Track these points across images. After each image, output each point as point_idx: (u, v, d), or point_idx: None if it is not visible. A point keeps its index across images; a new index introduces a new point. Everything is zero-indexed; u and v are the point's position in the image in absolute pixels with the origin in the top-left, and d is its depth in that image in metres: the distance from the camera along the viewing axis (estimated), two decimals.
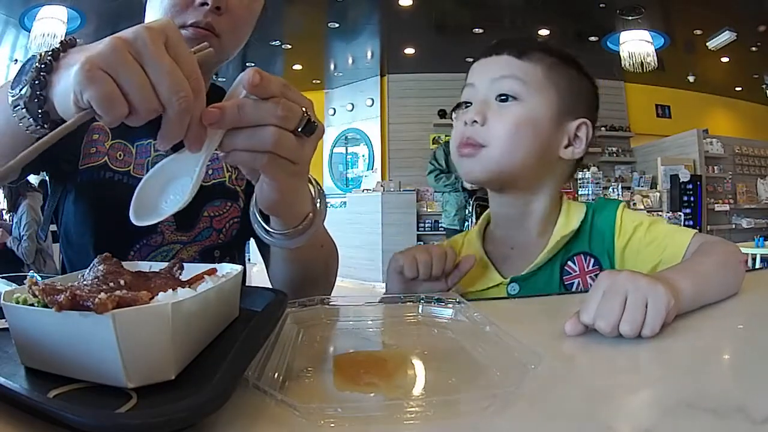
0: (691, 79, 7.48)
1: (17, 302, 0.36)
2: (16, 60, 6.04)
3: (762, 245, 4.64)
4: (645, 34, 5.95)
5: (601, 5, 5.31)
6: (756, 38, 5.90)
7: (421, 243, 6.06)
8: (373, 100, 7.72)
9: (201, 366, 0.38)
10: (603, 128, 7.58)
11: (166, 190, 0.46)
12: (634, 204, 6.20)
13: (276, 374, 0.38)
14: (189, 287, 0.42)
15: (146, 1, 0.75)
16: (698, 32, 5.86)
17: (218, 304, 0.44)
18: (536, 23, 5.81)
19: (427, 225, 6.49)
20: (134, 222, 0.45)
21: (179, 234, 0.80)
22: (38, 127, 0.48)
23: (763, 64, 6.65)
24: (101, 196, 0.77)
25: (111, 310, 0.32)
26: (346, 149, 8.33)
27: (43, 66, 0.48)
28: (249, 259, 1.21)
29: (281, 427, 0.33)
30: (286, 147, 0.47)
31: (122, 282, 0.40)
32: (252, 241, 0.90)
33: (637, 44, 5.98)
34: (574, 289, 0.80)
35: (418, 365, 0.45)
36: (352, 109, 7.97)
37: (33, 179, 3.50)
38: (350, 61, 7.25)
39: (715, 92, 7.95)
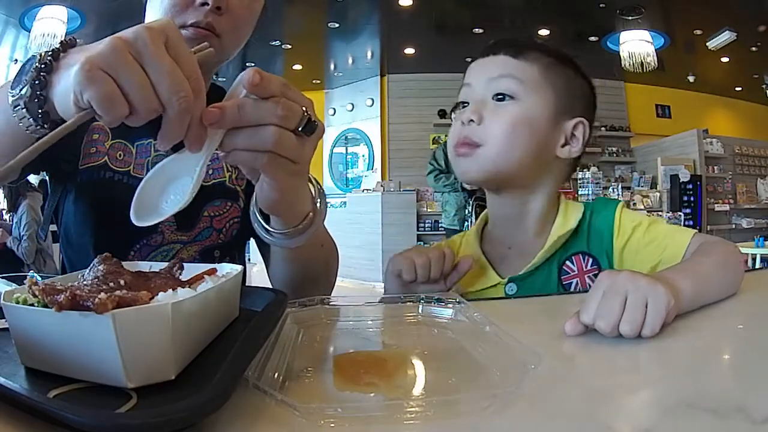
0: (691, 79, 7.48)
1: (17, 302, 0.36)
2: (16, 60, 6.04)
3: (762, 245, 4.64)
4: (645, 34, 5.95)
5: (601, 5, 5.31)
6: (756, 38, 5.90)
7: (421, 243, 6.08)
8: (373, 100, 7.72)
9: (201, 366, 0.38)
10: (603, 128, 7.59)
11: (166, 190, 0.46)
12: (634, 204, 6.20)
13: (276, 374, 0.38)
14: (189, 287, 0.42)
15: (146, 1, 0.75)
16: (698, 32, 5.86)
17: (218, 304, 0.44)
18: (536, 23, 5.81)
19: (427, 225, 6.49)
20: (135, 222, 0.45)
21: (179, 234, 0.80)
22: (38, 127, 0.48)
23: (763, 64, 6.66)
24: (101, 196, 0.77)
25: (111, 310, 0.32)
26: (346, 149, 8.33)
27: (43, 66, 0.48)
28: (249, 259, 1.21)
29: (281, 427, 0.33)
30: (286, 146, 0.47)
31: (122, 282, 0.40)
32: (252, 241, 0.90)
33: (637, 44, 5.98)
34: (572, 288, 0.80)
35: (418, 365, 0.45)
36: (352, 109, 7.97)
37: (33, 179, 3.50)
38: (350, 61, 7.25)
39: (715, 92, 7.95)
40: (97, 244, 0.76)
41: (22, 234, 3.68)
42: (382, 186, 6.81)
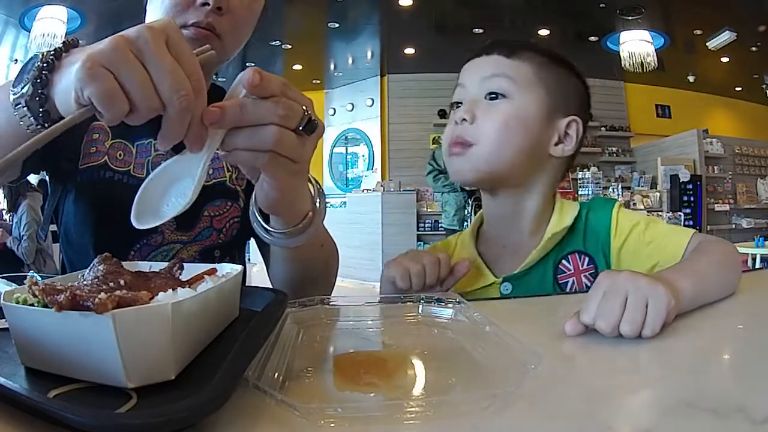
0: (691, 79, 7.48)
1: (17, 302, 0.36)
2: (16, 60, 6.04)
3: (762, 245, 4.64)
4: (645, 34, 5.95)
5: (601, 5, 5.31)
6: (756, 38, 5.90)
7: (421, 243, 6.08)
8: (373, 100, 7.72)
9: (201, 366, 0.38)
10: (603, 128, 7.59)
11: (167, 192, 0.46)
12: (634, 204, 6.20)
13: (276, 374, 0.38)
14: (189, 287, 0.42)
15: (147, 2, 0.75)
16: (698, 32, 5.86)
17: (218, 304, 0.44)
18: (536, 23, 5.81)
19: (427, 225, 6.49)
20: (135, 225, 0.45)
21: (179, 234, 0.80)
22: (39, 126, 0.48)
23: (763, 64, 6.66)
24: (101, 195, 0.77)
25: (111, 310, 0.32)
26: (346, 149, 8.33)
27: (45, 65, 0.48)
28: (249, 259, 1.20)
29: (281, 427, 0.33)
30: (287, 146, 0.47)
31: (122, 282, 0.40)
32: (252, 241, 0.90)
33: (637, 44, 5.98)
34: (568, 288, 0.80)
35: (418, 365, 0.45)
36: (352, 109, 7.97)
37: (33, 179, 3.50)
38: (350, 61, 7.25)
39: (715, 92, 7.95)
40: (97, 244, 0.76)
41: (22, 234, 3.68)
42: (382, 186, 6.81)
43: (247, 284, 0.59)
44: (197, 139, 0.44)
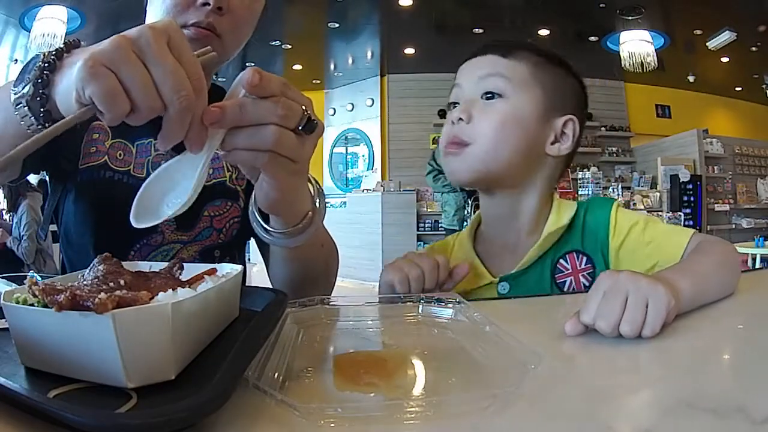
0: (691, 79, 7.48)
1: (17, 302, 0.36)
2: (16, 60, 6.04)
3: (762, 245, 4.64)
4: (645, 34, 5.95)
5: (601, 5, 5.31)
6: (756, 38, 5.90)
7: (421, 243, 6.08)
8: (373, 100, 7.72)
9: (201, 366, 0.38)
10: (603, 128, 7.59)
11: (168, 193, 0.46)
12: (634, 204, 6.20)
13: (276, 374, 0.38)
14: (189, 287, 0.42)
15: (147, 1, 0.75)
16: (698, 32, 5.86)
17: (218, 304, 0.44)
18: (536, 23, 5.81)
19: (427, 225, 6.49)
20: (134, 225, 0.45)
21: (179, 234, 0.80)
22: (39, 126, 0.48)
23: (763, 64, 6.66)
24: (101, 195, 0.77)
25: (111, 310, 0.32)
26: (346, 149, 8.33)
27: (46, 65, 0.48)
28: (249, 259, 1.20)
29: (281, 427, 0.33)
30: (286, 145, 0.47)
31: (122, 282, 0.40)
32: (252, 241, 0.90)
33: (637, 44, 5.98)
34: (566, 287, 0.80)
35: (418, 365, 0.45)
36: (352, 109, 7.97)
37: (33, 179, 3.50)
38: (350, 61, 7.25)
39: (715, 92, 7.95)
40: (97, 244, 0.76)
41: (22, 234, 3.68)
42: (382, 186, 6.81)
43: (247, 284, 0.59)
44: (197, 139, 0.44)
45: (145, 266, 0.49)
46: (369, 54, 7.03)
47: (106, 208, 0.76)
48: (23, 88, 0.49)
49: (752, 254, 4.55)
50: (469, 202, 3.99)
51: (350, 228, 6.29)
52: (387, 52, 6.94)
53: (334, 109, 8.13)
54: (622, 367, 0.46)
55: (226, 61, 0.77)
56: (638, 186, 6.94)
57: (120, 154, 0.79)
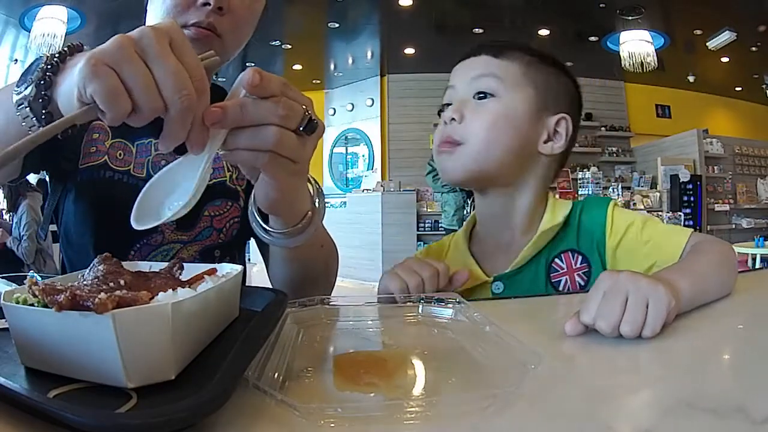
0: (691, 79, 7.48)
1: (17, 302, 0.36)
2: (16, 60, 6.04)
3: (762, 245, 4.65)
4: (645, 34, 5.95)
5: (601, 5, 5.31)
6: (756, 38, 5.90)
7: (421, 243, 6.08)
8: (373, 100, 7.72)
9: (201, 366, 0.38)
10: (603, 128, 7.59)
11: (169, 194, 0.46)
12: (634, 204, 6.20)
13: (276, 374, 0.38)
14: (189, 287, 0.42)
15: (147, 2, 0.75)
16: (698, 32, 5.87)
17: (218, 304, 0.44)
18: (536, 23, 5.82)
19: (427, 225, 6.49)
20: (135, 227, 0.45)
21: (179, 233, 0.80)
22: (41, 128, 0.48)
23: (763, 64, 6.66)
24: (101, 195, 0.77)
25: (111, 310, 0.32)
26: (346, 149, 8.33)
27: (49, 67, 0.48)
28: (249, 259, 1.20)
29: (281, 427, 0.33)
30: (287, 146, 0.47)
31: (122, 282, 0.40)
32: (252, 241, 0.90)
33: (637, 44, 5.99)
34: (561, 286, 0.80)
35: (418, 365, 0.45)
36: (352, 109, 7.97)
37: (32, 179, 3.50)
38: (350, 61, 7.25)
39: (715, 92, 7.96)
40: (97, 244, 0.76)
41: (22, 234, 3.68)
42: (382, 186, 6.81)
43: (247, 284, 0.59)
44: (199, 139, 0.44)
45: (145, 266, 0.49)
46: (369, 54, 7.03)
47: (106, 208, 0.76)
48: (25, 89, 0.49)
49: (752, 254, 4.55)
50: (469, 202, 3.99)
51: (350, 228, 6.29)
52: (387, 52, 6.94)
53: (334, 109, 8.14)
54: (622, 367, 0.46)
55: (227, 61, 0.77)
56: (638, 186, 6.95)
57: (120, 154, 0.79)
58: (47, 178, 0.82)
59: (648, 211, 5.61)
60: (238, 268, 0.49)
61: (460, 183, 0.83)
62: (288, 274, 0.73)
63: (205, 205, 0.82)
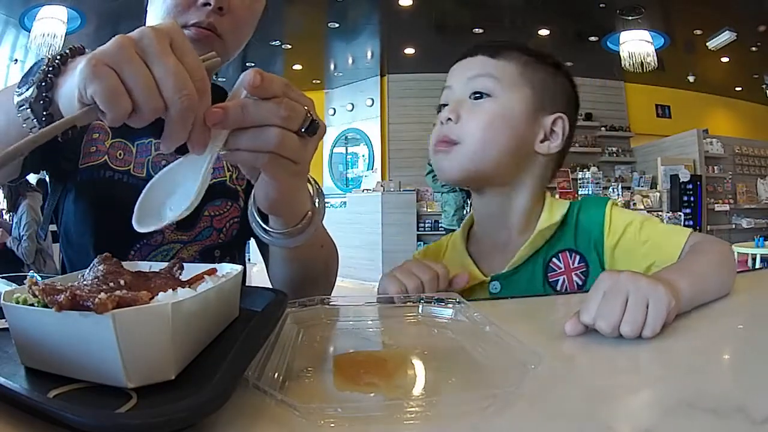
0: (691, 79, 7.49)
1: (17, 302, 0.36)
2: (16, 60, 6.04)
3: (762, 245, 4.65)
4: (645, 34, 5.95)
5: (601, 5, 5.32)
6: (756, 38, 5.90)
7: (421, 243, 6.08)
8: (373, 100, 7.73)
9: (201, 366, 0.38)
10: (603, 128, 7.60)
11: (170, 195, 0.46)
12: (634, 204, 6.21)
13: (276, 374, 0.38)
14: (189, 287, 0.42)
15: (147, 2, 0.75)
16: (698, 32, 5.87)
17: (218, 304, 0.44)
18: (536, 23, 5.82)
19: (427, 225, 6.49)
20: (136, 228, 0.45)
21: (179, 233, 0.80)
22: (42, 129, 0.49)
23: (763, 64, 6.66)
24: (101, 195, 0.77)
25: (111, 310, 0.32)
26: (346, 149, 8.33)
27: (50, 69, 0.48)
28: (249, 259, 1.20)
29: (281, 427, 0.33)
30: (289, 147, 0.47)
31: (122, 282, 0.40)
32: (252, 241, 0.90)
33: (637, 44, 5.99)
34: (559, 286, 0.80)
35: (418, 365, 0.45)
36: (352, 109, 7.97)
37: (32, 179, 3.50)
38: (350, 61, 7.25)
39: (715, 92, 7.96)
40: (97, 244, 0.76)
41: (22, 234, 3.68)
42: (382, 186, 6.81)
43: (247, 284, 0.59)
44: (200, 140, 0.44)
45: (145, 266, 0.49)
46: (369, 54, 7.03)
47: (106, 208, 0.76)
48: (27, 90, 0.49)
49: (752, 254, 4.55)
50: (469, 202, 3.99)
51: (350, 228, 6.29)
52: (387, 52, 6.94)
53: (334, 109, 8.14)
54: (622, 367, 0.46)
55: (227, 61, 0.77)
56: (638, 186, 6.95)
57: (120, 154, 0.79)
58: (47, 178, 0.82)
59: (648, 211, 5.61)
60: (238, 268, 0.49)
61: (456, 182, 0.83)
62: (288, 274, 0.73)
63: (205, 205, 0.82)
